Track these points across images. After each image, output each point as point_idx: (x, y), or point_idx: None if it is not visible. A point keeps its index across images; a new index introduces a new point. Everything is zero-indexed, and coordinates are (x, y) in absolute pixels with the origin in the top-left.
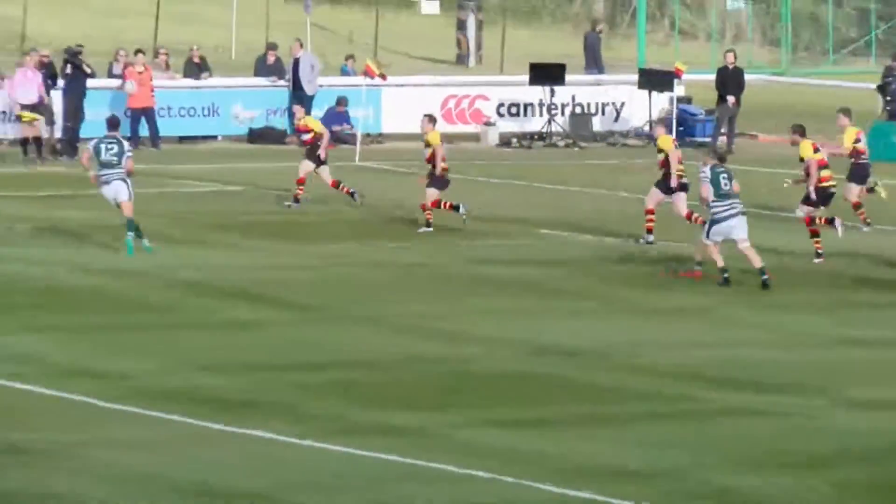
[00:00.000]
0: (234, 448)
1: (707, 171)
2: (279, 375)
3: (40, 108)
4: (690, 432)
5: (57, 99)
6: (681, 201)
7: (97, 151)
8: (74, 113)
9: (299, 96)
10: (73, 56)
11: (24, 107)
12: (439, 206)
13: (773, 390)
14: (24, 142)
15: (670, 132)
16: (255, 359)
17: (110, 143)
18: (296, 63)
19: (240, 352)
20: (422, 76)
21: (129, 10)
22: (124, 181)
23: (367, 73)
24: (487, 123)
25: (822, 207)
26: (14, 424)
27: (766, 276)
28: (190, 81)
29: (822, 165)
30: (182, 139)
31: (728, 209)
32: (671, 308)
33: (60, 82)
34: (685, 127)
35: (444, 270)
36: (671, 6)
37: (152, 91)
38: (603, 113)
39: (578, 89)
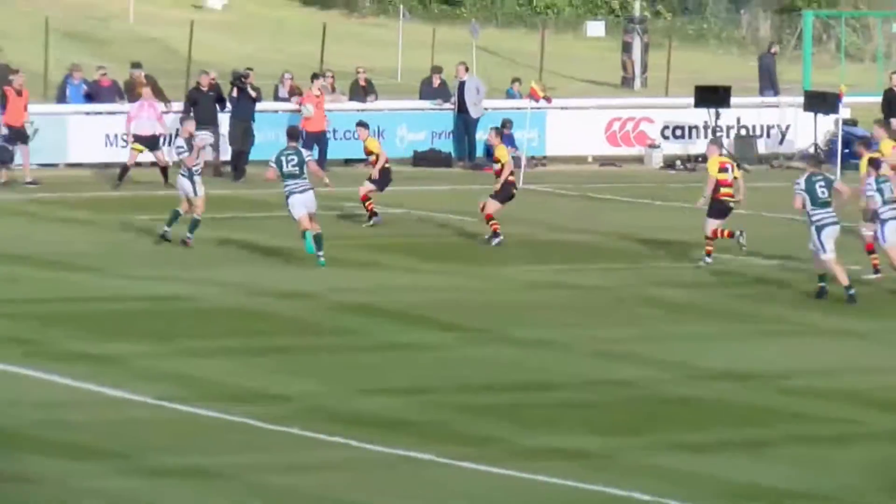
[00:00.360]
0: (400, 471)
1: (801, 181)
2: (447, 398)
3: (154, 139)
4: (855, 455)
5: (224, 122)
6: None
7: (279, 164)
8: (241, 136)
9: (464, 119)
10: (239, 79)
11: (137, 138)
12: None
13: None
14: (124, 168)
15: (721, 152)
16: (423, 381)
17: (290, 154)
18: (461, 86)
19: (406, 374)
20: (586, 98)
21: (295, 32)
22: (312, 190)
23: (532, 95)
24: (651, 146)
25: None
26: (177, 446)
27: (823, 286)
28: (356, 104)
29: None
30: (347, 161)
31: (827, 216)
32: (843, 330)
33: (229, 105)
34: (850, 149)
35: (614, 293)
36: (837, 28)
37: (325, 115)
38: (768, 135)
39: (744, 111)
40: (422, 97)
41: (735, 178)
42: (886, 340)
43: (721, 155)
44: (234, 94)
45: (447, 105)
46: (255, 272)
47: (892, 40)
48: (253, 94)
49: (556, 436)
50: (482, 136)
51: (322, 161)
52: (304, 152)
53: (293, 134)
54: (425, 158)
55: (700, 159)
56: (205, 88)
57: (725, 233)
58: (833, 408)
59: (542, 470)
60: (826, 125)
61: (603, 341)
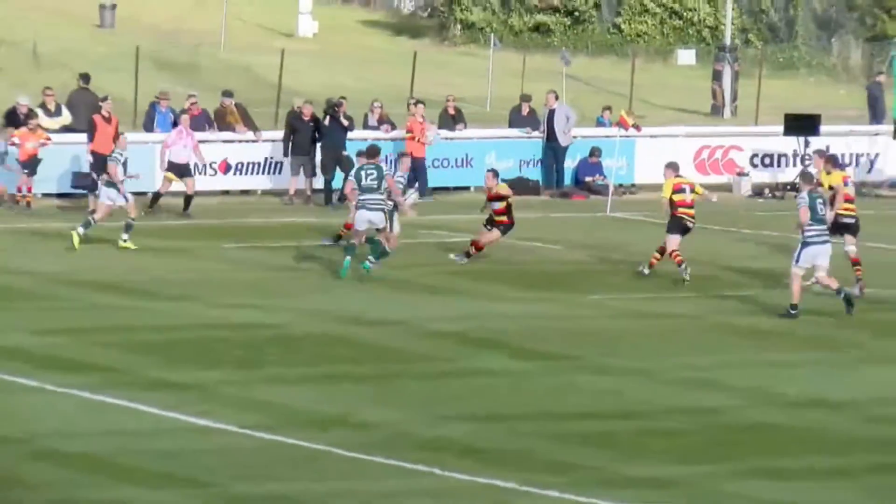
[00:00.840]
0: (483, 499)
1: (805, 195)
2: (530, 425)
3: (186, 167)
4: None
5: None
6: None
7: (358, 178)
8: (332, 165)
9: (553, 147)
10: (332, 108)
11: (171, 165)
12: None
13: None
14: (156, 195)
15: (678, 174)
16: (506, 408)
17: (370, 169)
18: (550, 114)
19: (489, 401)
20: (675, 127)
21: (385, 61)
22: (383, 211)
23: (622, 124)
24: (740, 174)
25: None
26: (260, 475)
27: (845, 292)
28: (445, 132)
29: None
30: (435, 190)
31: (820, 235)
32: None
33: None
34: None
35: (699, 321)
36: None
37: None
38: (856, 163)
39: (833, 140)
40: (511, 125)
41: (694, 198)
42: None
43: (677, 177)
44: (327, 122)
45: (535, 133)
46: (339, 299)
47: None
48: (345, 122)
49: (642, 464)
50: (571, 164)
51: (423, 187)
52: (384, 168)
53: (373, 151)
54: (513, 186)
55: (789, 187)
56: (306, 118)
57: (677, 258)
58: None
59: (629, 498)
60: None
61: (688, 368)
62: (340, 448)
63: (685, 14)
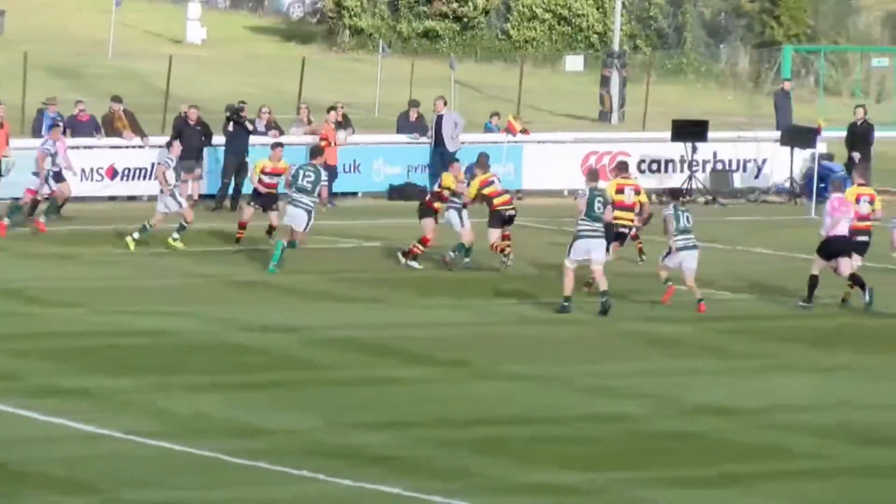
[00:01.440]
0: None
1: (586, 189)
2: (429, 432)
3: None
4: (833, 490)
5: (213, 155)
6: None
7: (295, 176)
8: (236, 170)
9: (440, 152)
10: (236, 113)
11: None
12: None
13: None
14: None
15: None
16: (404, 415)
17: (309, 170)
18: (438, 120)
19: (388, 408)
20: (563, 133)
21: (274, 66)
22: (309, 213)
23: (509, 129)
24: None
25: None
26: (150, 482)
27: (604, 300)
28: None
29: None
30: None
31: (594, 231)
32: (829, 366)
33: (216, 139)
34: (826, 184)
35: (603, 328)
36: (816, 63)
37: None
38: (744, 169)
39: (720, 146)
40: (399, 131)
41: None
42: (870, 376)
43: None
44: (231, 127)
45: (424, 139)
46: (240, 306)
47: (871, 75)
48: (250, 127)
49: (538, 471)
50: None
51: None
52: (324, 174)
53: (317, 151)
54: (401, 192)
55: (686, 193)
56: (192, 122)
57: (499, 247)
58: (814, 443)
59: None
60: (803, 160)
61: (591, 376)
62: (229, 455)
63: (574, 20)
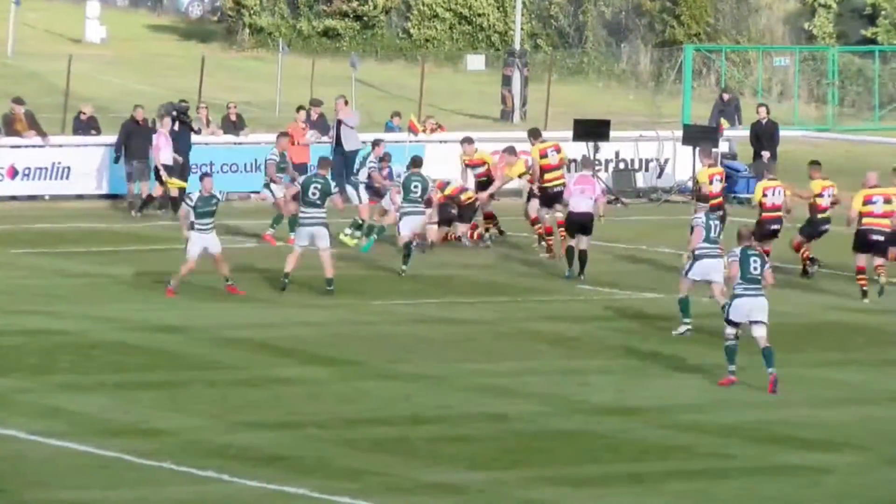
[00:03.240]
0: None
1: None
2: (325, 432)
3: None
4: (731, 489)
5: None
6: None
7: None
8: (180, 170)
9: (341, 152)
10: (180, 113)
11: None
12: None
13: (817, 448)
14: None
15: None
16: (301, 415)
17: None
18: (339, 120)
19: (284, 408)
20: (466, 132)
21: (174, 65)
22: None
23: (411, 129)
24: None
25: None
26: (51, 482)
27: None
28: (231, 137)
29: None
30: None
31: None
32: (715, 365)
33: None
34: (729, 183)
35: (499, 327)
36: (717, 62)
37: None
38: (646, 169)
39: (622, 145)
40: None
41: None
42: (761, 375)
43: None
44: (175, 127)
45: (325, 139)
46: (135, 307)
47: (773, 74)
48: (196, 127)
49: (434, 471)
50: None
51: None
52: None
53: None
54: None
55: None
56: (139, 122)
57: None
58: (711, 442)
59: None
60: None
61: (486, 375)
62: (131, 455)
63: (474, 19)
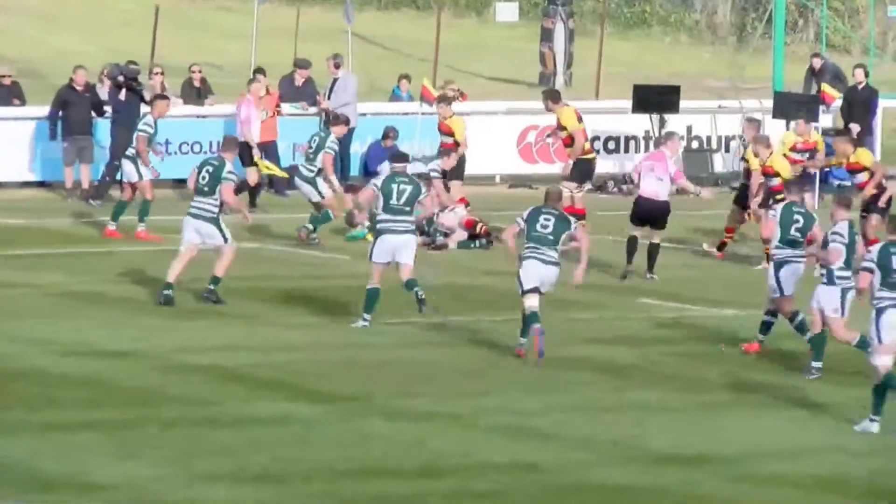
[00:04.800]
0: None
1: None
2: (311, 486)
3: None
4: None
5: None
6: None
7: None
8: (125, 147)
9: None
10: (129, 78)
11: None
12: None
13: None
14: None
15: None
16: (282, 464)
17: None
18: (333, 84)
19: (262, 455)
20: (494, 101)
21: (123, 20)
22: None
23: (425, 96)
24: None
25: None
26: None
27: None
28: (194, 109)
29: None
30: (182, 182)
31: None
32: (813, 402)
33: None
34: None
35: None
36: (817, 13)
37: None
38: (727, 149)
39: (696, 118)
40: (282, 100)
41: None
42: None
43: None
44: (122, 96)
45: (313, 109)
46: (64, 325)
47: (889, 28)
48: (147, 96)
49: None
50: (360, 148)
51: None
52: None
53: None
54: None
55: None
56: (80, 88)
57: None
58: (799, 499)
59: None
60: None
61: (514, 413)
62: None
63: None
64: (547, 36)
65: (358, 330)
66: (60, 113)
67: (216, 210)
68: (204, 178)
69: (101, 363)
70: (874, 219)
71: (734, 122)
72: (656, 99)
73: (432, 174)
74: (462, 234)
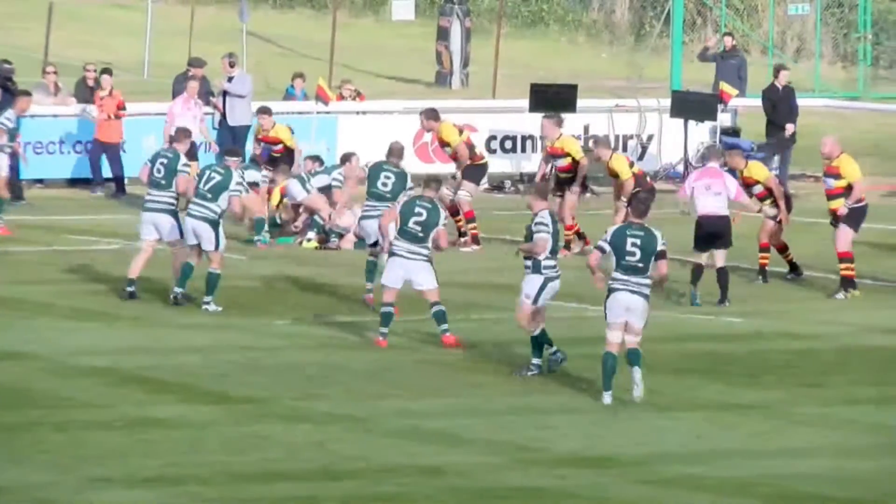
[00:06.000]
0: None
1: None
2: (209, 490)
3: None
4: None
5: None
6: None
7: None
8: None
9: (230, 128)
10: (8, 78)
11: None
12: None
13: None
14: None
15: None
16: (179, 468)
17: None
18: (224, 87)
19: (158, 458)
20: (390, 101)
21: (13, 15)
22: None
23: (320, 96)
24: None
25: None
26: None
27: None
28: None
29: None
30: (73, 182)
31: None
32: (725, 403)
33: None
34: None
35: (426, 354)
36: (716, 11)
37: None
38: (624, 148)
39: (593, 118)
40: (175, 98)
41: None
42: (775, 415)
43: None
44: None
45: (208, 109)
46: None
47: (787, 27)
48: (41, 93)
49: None
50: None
51: (120, 181)
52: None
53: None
54: None
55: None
56: None
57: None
58: (706, 501)
59: None
60: (700, 135)
61: (415, 416)
62: None
63: None
64: (443, 35)
65: (260, 331)
66: None
67: (174, 203)
68: (159, 171)
69: (3, 365)
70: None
71: (632, 121)
72: (553, 98)
73: (333, 183)
74: (352, 238)
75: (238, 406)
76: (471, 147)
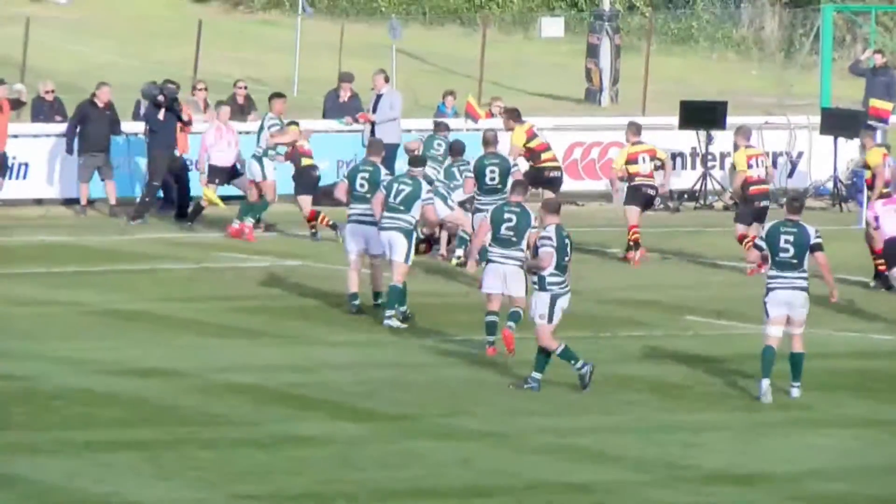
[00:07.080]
0: None
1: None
2: None
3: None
4: None
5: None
6: None
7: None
8: (164, 168)
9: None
10: (170, 99)
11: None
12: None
13: None
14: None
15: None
16: (325, 485)
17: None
18: (377, 101)
19: (305, 476)
20: (539, 118)
21: (163, 32)
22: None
23: (469, 113)
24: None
25: None
26: None
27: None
28: (236, 125)
29: None
30: (225, 199)
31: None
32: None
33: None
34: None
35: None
36: (866, 27)
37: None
38: (774, 165)
39: None
40: (326, 115)
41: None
42: None
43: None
44: (161, 115)
45: (358, 125)
46: (101, 343)
47: None
48: (185, 117)
49: None
50: (402, 165)
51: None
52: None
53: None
54: (330, 194)
55: (686, 196)
56: (101, 104)
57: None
58: None
59: None
60: (850, 153)
61: (564, 433)
62: None
63: None
64: (593, 52)
65: (407, 348)
66: (78, 129)
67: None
68: (363, 185)
69: (139, 382)
70: None
71: (782, 138)
72: (703, 115)
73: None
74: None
75: (385, 423)
76: (535, 154)
